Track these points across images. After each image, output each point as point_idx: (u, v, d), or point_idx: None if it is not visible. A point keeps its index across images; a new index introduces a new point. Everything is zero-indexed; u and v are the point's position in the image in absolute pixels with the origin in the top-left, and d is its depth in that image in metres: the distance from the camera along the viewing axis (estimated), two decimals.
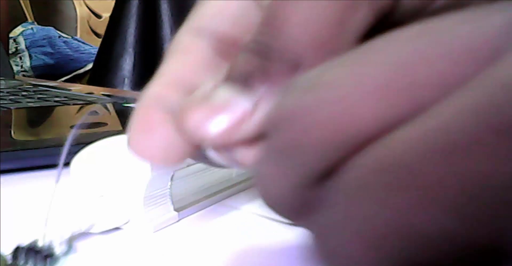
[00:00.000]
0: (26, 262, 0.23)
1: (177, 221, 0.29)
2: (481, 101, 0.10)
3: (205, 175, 0.32)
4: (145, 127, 0.17)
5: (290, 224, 0.16)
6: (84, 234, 0.26)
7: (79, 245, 0.25)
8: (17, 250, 0.23)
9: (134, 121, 0.17)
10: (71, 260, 0.24)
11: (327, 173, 0.12)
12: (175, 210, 0.29)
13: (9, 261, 0.23)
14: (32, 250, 0.23)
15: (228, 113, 0.15)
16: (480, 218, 0.10)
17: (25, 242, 0.23)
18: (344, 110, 0.12)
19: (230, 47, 0.18)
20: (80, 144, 0.30)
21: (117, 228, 0.27)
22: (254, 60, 0.16)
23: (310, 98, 0.12)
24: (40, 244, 0.23)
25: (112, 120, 0.57)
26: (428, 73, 0.11)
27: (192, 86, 0.17)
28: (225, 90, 0.15)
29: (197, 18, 0.19)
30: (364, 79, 0.12)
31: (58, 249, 0.23)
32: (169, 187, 0.28)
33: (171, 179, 0.28)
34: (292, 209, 0.14)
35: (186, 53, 0.18)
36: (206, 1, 0.20)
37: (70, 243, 0.24)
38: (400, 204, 0.11)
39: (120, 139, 0.28)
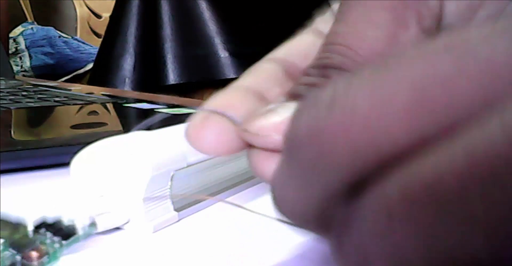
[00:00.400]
0: (46, 238, 0.23)
1: (177, 221, 0.29)
2: (510, 124, 0.10)
3: (205, 175, 0.32)
4: (205, 122, 0.18)
5: (293, 225, 0.16)
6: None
7: (79, 245, 0.25)
8: (41, 225, 0.23)
9: (198, 118, 0.19)
10: (71, 259, 0.24)
11: (351, 192, 0.12)
12: (175, 210, 0.29)
13: (31, 233, 0.23)
14: (55, 227, 0.23)
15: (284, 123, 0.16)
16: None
17: (49, 217, 0.24)
18: (363, 134, 0.12)
19: (296, 73, 0.21)
20: (80, 144, 0.30)
21: (117, 228, 0.27)
22: (313, 79, 0.18)
23: (331, 117, 0.12)
24: (64, 221, 0.24)
25: (112, 120, 0.57)
26: (448, 95, 0.11)
27: (261, 94, 0.20)
28: (288, 105, 0.17)
29: (275, 52, 0.22)
30: (382, 100, 0.11)
31: (80, 230, 0.24)
32: (169, 187, 0.28)
33: (171, 179, 0.28)
34: (310, 221, 0.14)
35: (260, 71, 0.21)
36: (288, 42, 0.23)
37: (93, 223, 0.25)
38: (427, 230, 0.11)
39: (120, 139, 0.28)
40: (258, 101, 0.19)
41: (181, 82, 1.20)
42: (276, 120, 0.16)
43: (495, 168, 0.10)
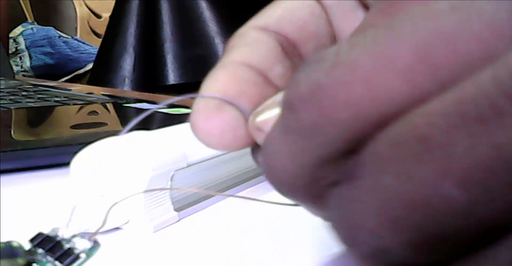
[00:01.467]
0: (46, 254, 0.22)
1: (177, 221, 0.29)
2: (501, 75, 0.10)
3: (205, 175, 0.32)
4: (214, 113, 0.17)
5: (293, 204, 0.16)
6: (84, 234, 0.26)
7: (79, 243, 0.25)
8: (40, 240, 0.22)
9: (205, 107, 0.17)
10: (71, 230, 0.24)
11: (349, 150, 0.12)
12: (175, 210, 0.29)
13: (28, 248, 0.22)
14: (54, 251, 0.22)
15: None
16: (492, 192, 0.11)
17: (47, 231, 0.23)
18: (365, 91, 0.12)
19: (291, 49, 0.19)
20: (80, 144, 0.30)
21: (117, 228, 0.27)
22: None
23: (331, 78, 0.12)
24: (61, 234, 0.23)
25: (112, 120, 0.57)
26: (451, 52, 0.11)
27: (265, 74, 0.18)
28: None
29: (264, 18, 0.19)
30: (385, 59, 0.12)
31: (80, 245, 0.23)
32: (169, 186, 0.28)
33: (171, 179, 0.28)
34: (305, 186, 0.14)
35: (255, 43, 0.19)
36: (276, 3, 0.20)
37: (95, 245, 0.24)
38: (416, 176, 0.11)
39: (120, 139, 0.28)
40: (266, 84, 0.17)
41: (181, 82, 1.20)
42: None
43: (481, 111, 0.10)
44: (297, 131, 0.13)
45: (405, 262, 0.12)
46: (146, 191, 0.27)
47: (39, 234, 0.22)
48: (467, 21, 0.11)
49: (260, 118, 0.16)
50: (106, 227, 0.26)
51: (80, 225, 0.25)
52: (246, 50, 0.18)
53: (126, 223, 0.27)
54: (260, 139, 0.16)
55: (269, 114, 0.16)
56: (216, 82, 0.17)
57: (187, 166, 0.29)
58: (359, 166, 0.12)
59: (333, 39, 0.20)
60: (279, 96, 0.16)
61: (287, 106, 0.13)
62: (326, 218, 0.15)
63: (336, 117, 0.12)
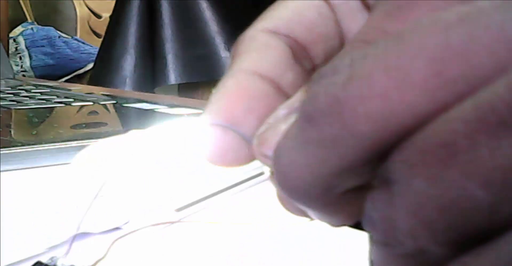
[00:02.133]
0: None
1: (177, 221, 0.29)
2: None
3: (205, 175, 0.32)
4: (221, 140, 0.17)
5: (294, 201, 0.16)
6: (84, 234, 0.26)
7: (79, 244, 0.25)
8: None
9: (210, 134, 0.17)
10: (70, 259, 0.24)
11: (372, 159, 0.13)
12: (175, 210, 0.29)
13: None
14: None
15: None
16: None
17: (45, 260, 0.23)
18: (383, 105, 0.12)
19: (301, 52, 0.18)
20: (80, 144, 0.30)
21: (117, 228, 0.27)
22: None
23: (348, 92, 0.13)
24: (60, 264, 0.22)
25: (112, 120, 0.57)
26: (463, 66, 0.12)
27: (276, 83, 0.17)
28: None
29: (273, 20, 0.19)
30: (399, 73, 0.12)
31: None
32: (169, 187, 0.28)
33: (171, 179, 0.28)
34: (320, 194, 0.14)
35: (265, 49, 0.18)
36: (281, 3, 0.19)
37: None
38: (444, 180, 0.12)
39: (120, 139, 0.28)
40: (276, 95, 0.17)
41: (182, 82, 1.20)
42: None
43: (499, 115, 0.11)
44: (317, 143, 0.13)
45: (439, 259, 0.13)
46: (156, 224, 0.27)
47: (38, 263, 0.22)
48: (476, 34, 0.12)
49: (264, 145, 0.16)
50: (106, 227, 0.26)
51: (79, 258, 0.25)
52: (256, 57, 0.18)
53: (126, 223, 0.27)
54: (266, 162, 0.16)
55: (273, 137, 0.15)
56: (224, 99, 0.17)
57: (187, 166, 0.29)
58: (390, 173, 0.13)
59: (342, 40, 0.20)
60: (281, 112, 0.16)
61: (306, 119, 0.13)
62: (334, 223, 0.15)
63: (357, 130, 0.12)
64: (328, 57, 0.18)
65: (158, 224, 0.28)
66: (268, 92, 0.17)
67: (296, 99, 0.16)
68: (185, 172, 0.30)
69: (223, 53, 1.15)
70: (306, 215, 0.16)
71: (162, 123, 0.31)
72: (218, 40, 1.16)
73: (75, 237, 0.24)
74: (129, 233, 0.27)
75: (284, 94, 0.17)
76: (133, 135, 0.29)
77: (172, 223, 0.29)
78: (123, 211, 0.27)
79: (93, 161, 0.27)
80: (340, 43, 0.19)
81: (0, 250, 0.24)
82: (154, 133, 0.30)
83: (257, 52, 0.18)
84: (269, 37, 0.18)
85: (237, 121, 0.17)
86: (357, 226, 0.15)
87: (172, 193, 0.29)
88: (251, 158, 0.17)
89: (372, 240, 0.14)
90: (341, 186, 0.14)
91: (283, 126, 0.15)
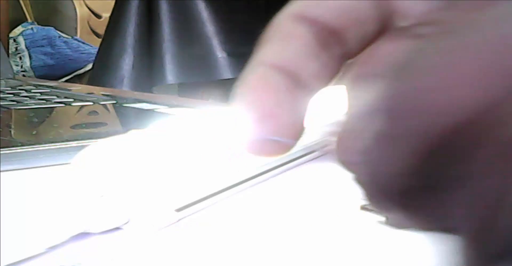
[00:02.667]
0: None
1: (177, 221, 0.29)
2: None
3: (205, 175, 0.32)
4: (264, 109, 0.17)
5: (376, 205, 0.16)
6: (84, 234, 0.26)
7: (79, 245, 0.25)
8: None
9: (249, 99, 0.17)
10: (69, 259, 0.24)
11: (452, 152, 0.13)
12: (175, 210, 0.29)
13: None
14: None
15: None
16: None
17: None
18: (446, 96, 0.13)
19: (330, 38, 0.18)
20: (80, 144, 0.30)
21: (117, 228, 0.27)
22: None
23: (420, 87, 0.13)
24: None
25: (112, 120, 0.57)
26: None
27: (296, 75, 0.17)
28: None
29: (300, 5, 0.18)
30: (459, 66, 0.12)
31: None
32: (169, 187, 0.28)
33: (172, 179, 0.28)
34: (402, 192, 0.14)
35: (288, 39, 0.17)
36: None
37: None
38: None
39: (121, 139, 0.28)
40: (296, 89, 0.17)
41: (179, 82, 1.20)
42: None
43: None
44: (398, 140, 0.14)
45: None
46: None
47: None
48: None
49: (348, 152, 0.16)
50: (106, 227, 0.26)
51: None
52: (277, 48, 0.17)
53: (126, 223, 0.27)
54: (350, 168, 0.16)
55: (353, 142, 0.15)
56: (249, 94, 0.17)
57: (188, 167, 0.29)
58: (474, 168, 0.13)
59: (381, 23, 0.18)
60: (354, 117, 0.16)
61: (383, 115, 0.14)
62: (418, 224, 0.15)
63: (441, 122, 0.13)
64: (364, 42, 0.18)
65: (158, 224, 0.28)
66: (287, 86, 0.17)
67: (356, 99, 0.16)
68: (185, 172, 0.30)
69: (220, 53, 1.15)
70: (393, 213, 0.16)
71: (160, 123, 0.31)
72: (215, 41, 1.16)
73: (75, 237, 0.24)
74: (129, 233, 0.27)
75: (305, 86, 0.17)
76: (133, 134, 0.29)
77: (173, 223, 0.29)
78: (123, 211, 0.27)
79: (93, 161, 0.28)
80: (379, 26, 0.18)
81: (0, 250, 0.24)
82: (155, 132, 0.30)
83: (279, 43, 0.17)
84: (293, 25, 0.18)
85: (269, 114, 0.17)
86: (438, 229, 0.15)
87: (172, 193, 0.29)
88: (287, 148, 0.17)
89: (461, 241, 0.14)
90: (423, 183, 0.14)
91: (360, 129, 0.15)
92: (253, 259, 0.25)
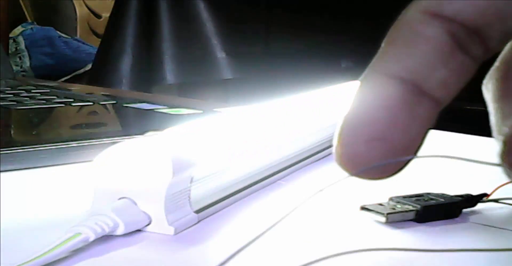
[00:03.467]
0: None
1: (197, 223, 0.29)
2: None
3: (224, 176, 0.32)
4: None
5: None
6: (106, 237, 0.26)
7: (101, 248, 0.25)
8: None
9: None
10: (94, 261, 0.24)
11: None
12: (195, 211, 0.29)
13: None
14: None
15: None
16: None
17: None
18: None
19: (468, 38, 0.15)
20: (80, 144, 0.30)
21: (138, 230, 0.27)
22: None
23: None
24: None
25: (112, 120, 0.57)
26: None
27: (417, 85, 0.15)
28: None
29: (432, 0, 0.16)
30: None
31: None
32: (189, 188, 0.28)
33: (191, 181, 0.28)
34: None
35: (416, 42, 0.15)
36: None
37: None
38: None
39: (141, 140, 0.28)
40: (416, 104, 0.15)
41: (178, 82, 1.20)
42: None
43: None
44: None
45: None
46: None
47: None
48: None
49: None
50: (128, 229, 0.26)
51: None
52: (402, 54, 0.15)
53: (147, 225, 0.27)
54: None
55: None
56: (363, 110, 0.15)
57: (206, 168, 0.29)
58: None
59: None
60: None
61: None
62: None
63: None
64: (505, 39, 0.16)
65: (178, 226, 0.27)
66: (406, 100, 0.15)
67: None
68: (205, 174, 0.30)
69: (220, 53, 1.15)
70: None
71: (179, 124, 0.31)
72: (215, 41, 1.16)
73: (76, 238, 0.24)
74: (133, 234, 0.27)
75: (428, 97, 0.15)
76: (151, 136, 0.29)
77: (193, 225, 0.29)
78: (144, 213, 0.27)
79: (115, 163, 0.27)
80: None
81: (0, 250, 0.24)
82: (173, 133, 0.30)
83: (404, 47, 0.15)
84: (425, 24, 0.15)
85: (381, 136, 0.15)
86: None
87: (191, 194, 0.29)
88: (397, 170, 0.15)
89: None
90: None
91: None
92: (273, 260, 0.25)
